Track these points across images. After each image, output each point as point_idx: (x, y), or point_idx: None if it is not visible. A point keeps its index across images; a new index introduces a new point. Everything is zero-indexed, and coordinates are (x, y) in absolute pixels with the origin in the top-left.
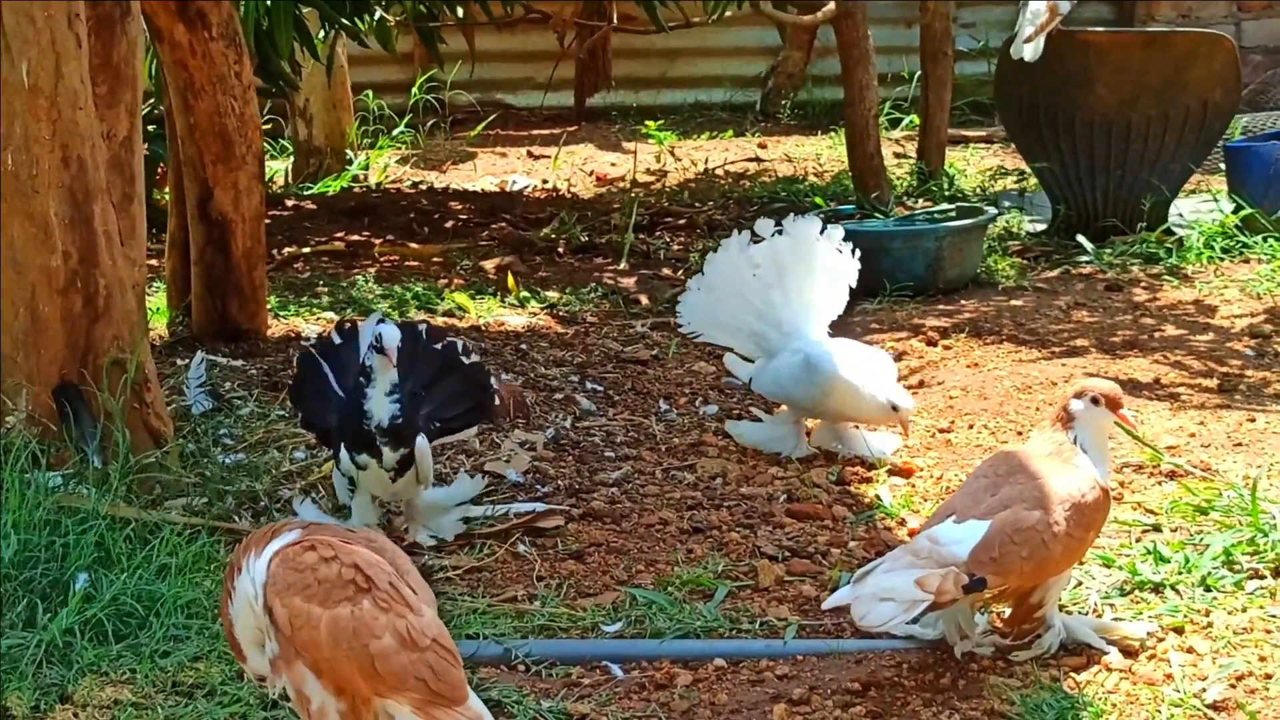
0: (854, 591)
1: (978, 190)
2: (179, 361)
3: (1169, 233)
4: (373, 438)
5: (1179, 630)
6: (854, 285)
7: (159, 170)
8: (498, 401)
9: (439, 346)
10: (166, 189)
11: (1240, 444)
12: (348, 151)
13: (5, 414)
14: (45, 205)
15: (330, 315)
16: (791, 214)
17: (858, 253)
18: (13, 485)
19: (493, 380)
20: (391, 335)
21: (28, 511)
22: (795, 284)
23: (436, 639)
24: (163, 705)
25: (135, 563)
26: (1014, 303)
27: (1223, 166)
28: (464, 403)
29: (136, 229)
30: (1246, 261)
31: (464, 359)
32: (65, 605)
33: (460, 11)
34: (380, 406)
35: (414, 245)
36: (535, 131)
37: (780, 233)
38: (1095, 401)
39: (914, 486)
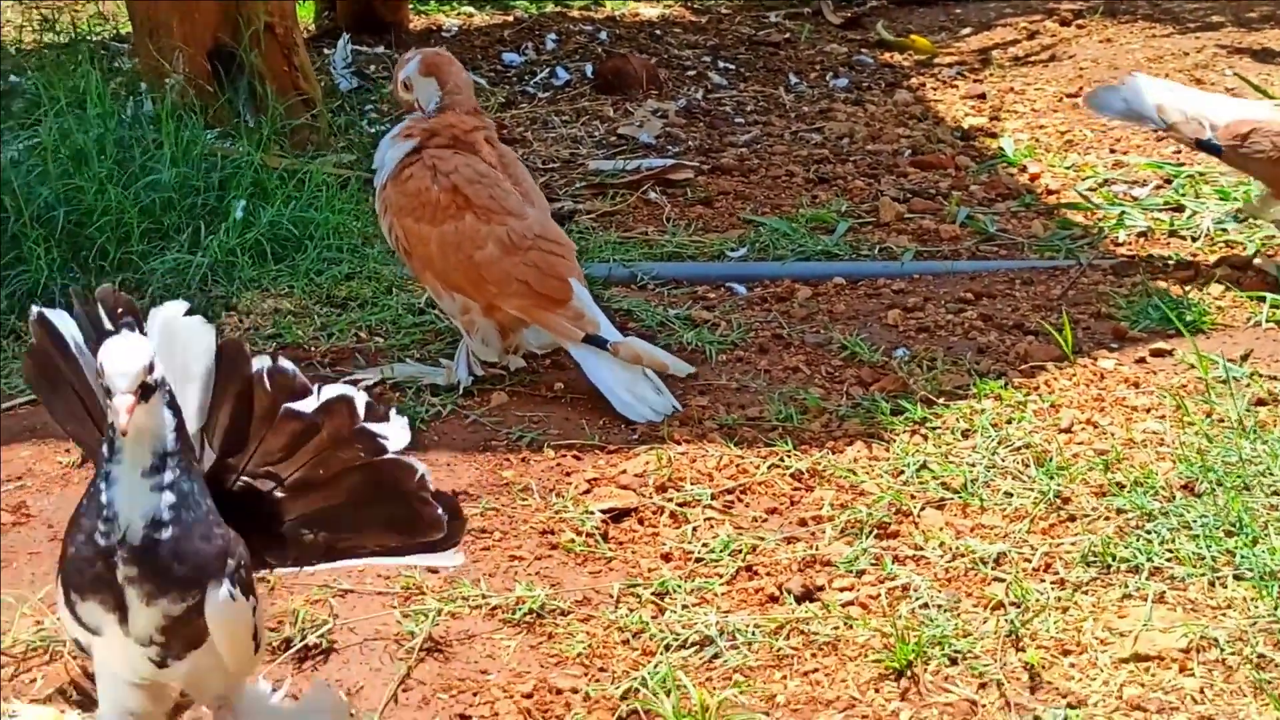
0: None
1: None
2: (325, 51)
3: None
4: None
5: None
6: None
7: None
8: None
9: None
10: None
11: None
12: None
13: (164, 75)
14: None
15: (469, 10)
16: None
17: None
18: (169, 126)
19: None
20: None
21: (185, 148)
22: None
23: (540, 235)
24: (319, 314)
25: (289, 193)
26: None
27: None
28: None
29: None
30: None
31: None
32: (226, 230)
33: None
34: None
35: None
36: None
37: None
38: None
39: (1037, 140)
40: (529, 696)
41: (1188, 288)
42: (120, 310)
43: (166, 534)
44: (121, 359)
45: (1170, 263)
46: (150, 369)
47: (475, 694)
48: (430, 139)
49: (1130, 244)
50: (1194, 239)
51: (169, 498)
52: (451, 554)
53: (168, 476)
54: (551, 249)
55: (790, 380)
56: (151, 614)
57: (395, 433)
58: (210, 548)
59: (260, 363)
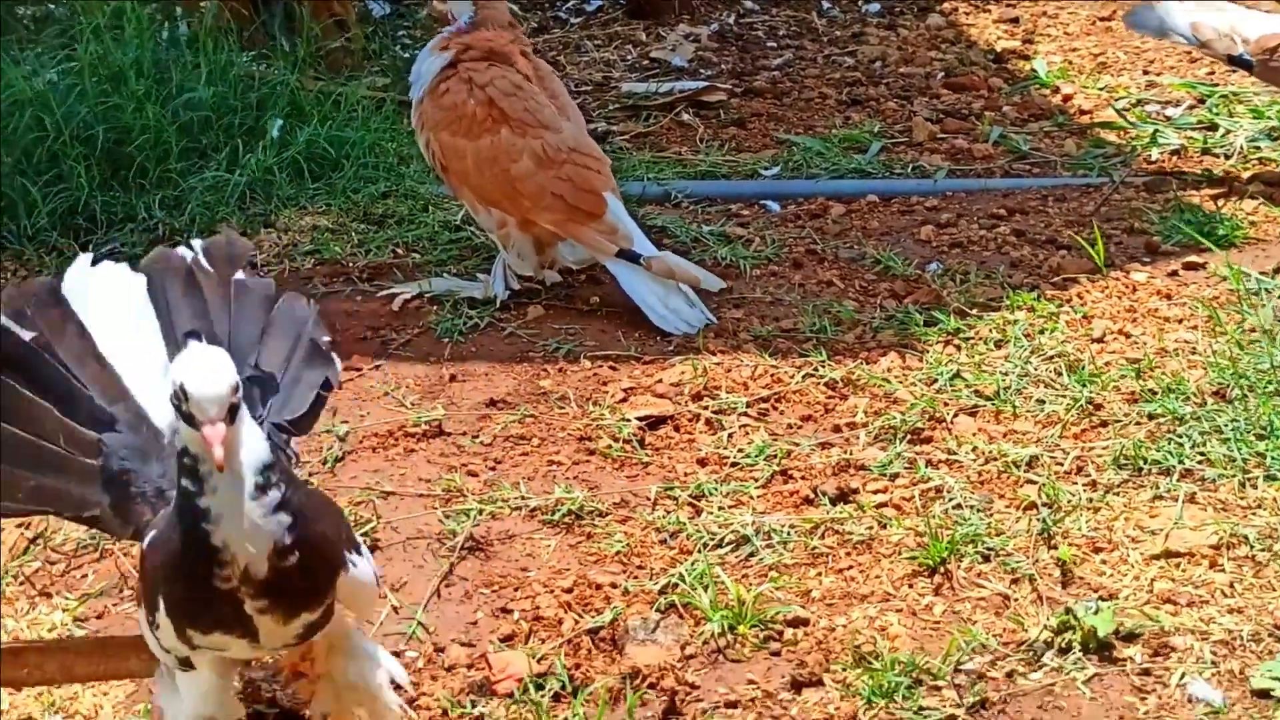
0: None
1: None
2: None
3: None
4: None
5: None
6: None
7: None
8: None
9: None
10: None
11: None
12: None
13: None
14: None
15: None
16: None
17: None
18: (206, 47)
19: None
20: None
21: (222, 69)
22: None
23: (575, 149)
24: (357, 230)
25: (325, 113)
26: None
27: None
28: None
29: None
30: None
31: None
32: (264, 148)
33: None
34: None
35: None
36: None
37: None
38: None
39: (1070, 63)
40: (569, 591)
41: (1221, 203)
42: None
43: (294, 559)
44: (207, 381)
45: (1203, 179)
46: (237, 387)
47: (516, 589)
48: (466, 52)
49: (1163, 162)
50: (1227, 156)
51: (285, 519)
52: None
53: (276, 494)
54: (586, 163)
55: (824, 294)
56: (290, 628)
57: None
58: (334, 540)
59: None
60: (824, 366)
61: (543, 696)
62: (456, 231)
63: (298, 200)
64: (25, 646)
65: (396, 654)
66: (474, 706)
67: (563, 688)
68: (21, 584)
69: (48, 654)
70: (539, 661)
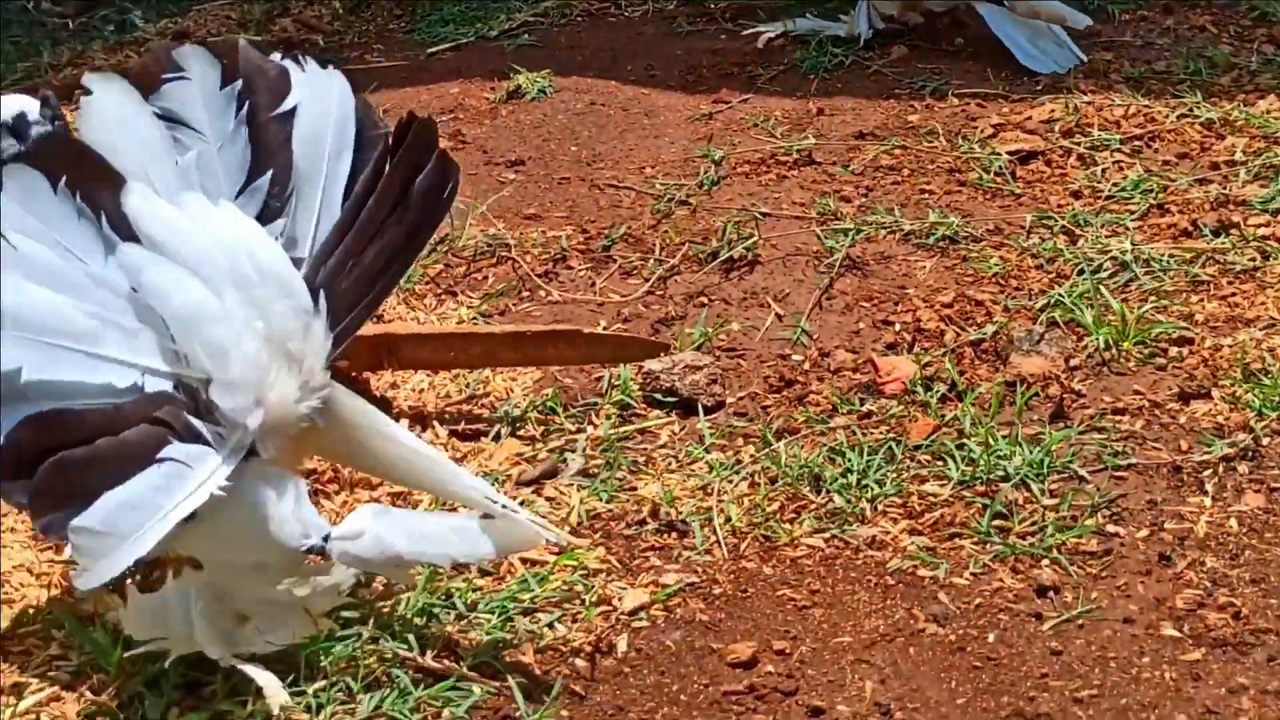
0: None
1: None
2: None
3: None
4: None
5: None
6: None
7: None
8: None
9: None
10: None
11: None
12: None
13: None
14: None
15: None
16: None
17: None
18: None
19: None
20: None
21: None
22: None
23: None
24: None
25: None
26: None
27: None
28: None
29: None
30: None
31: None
32: None
33: None
34: None
35: None
36: None
37: None
38: None
39: None
40: (949, 306)
41: None
42: None
43: None
44: None
45: None
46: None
47: (896, 303)
48: None
49: None
50: None
51: None
52: None
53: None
54: None
55: (1196, 38)
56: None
57: None
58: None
59: None
60: (1199, 108)
61: (931, 397)
62: None
63: None
64: (452, 333)
65: (783, 357)
66: (862, 404)
67: (950, 389)
68: (427, 283)
69: (473, 340)
70: (925, 367)
